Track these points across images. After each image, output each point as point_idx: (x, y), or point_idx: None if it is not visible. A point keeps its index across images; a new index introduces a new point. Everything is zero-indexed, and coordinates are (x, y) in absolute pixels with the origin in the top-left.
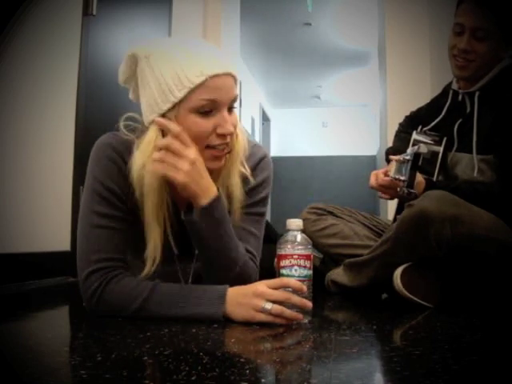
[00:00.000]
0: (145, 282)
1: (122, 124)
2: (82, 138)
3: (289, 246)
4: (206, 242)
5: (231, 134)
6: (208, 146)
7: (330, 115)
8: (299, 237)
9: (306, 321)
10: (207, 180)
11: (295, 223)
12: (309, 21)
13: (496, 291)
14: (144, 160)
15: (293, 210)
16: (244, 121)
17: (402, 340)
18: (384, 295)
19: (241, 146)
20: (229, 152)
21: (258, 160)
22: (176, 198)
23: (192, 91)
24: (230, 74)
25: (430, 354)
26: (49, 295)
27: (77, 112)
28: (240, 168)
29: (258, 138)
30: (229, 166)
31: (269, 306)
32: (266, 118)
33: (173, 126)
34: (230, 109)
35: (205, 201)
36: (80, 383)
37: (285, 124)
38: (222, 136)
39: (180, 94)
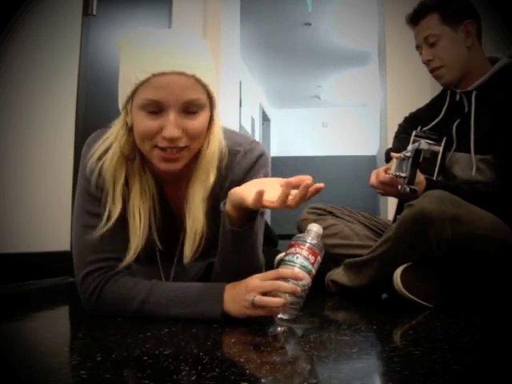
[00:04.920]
0: (142, 281)
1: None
2: (82, 137)
3: (300, 239)
4: (243, 254)
5: (177, 139)
6: (156, 147)
7: (330, 115)
8: (316, 239)
9: (286, 317)
10: None
11: (316, 227)
12: (309, 21)
13: (496, 291)
14: (105, 148)
15: (293, 210)
16: (244, 121)
17: (402, 340)
18: (384, 295)
19: (211, 153)
20: (196, 157)
21: (256, 158)
22: (165, 193)
23: (138, 88)
24: (183, 74)
25: (430, 354)
26: (49, 295)
27: (77, 112)
28: (210, 176)
29: (258, 138)
30: (199, 174)
31: (254, 298)
32: (266, 118)
33: None
34: (192, 112)
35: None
36: (80, 383)
37: (285, 124)
38: (168, 139)
39: (129, 89)
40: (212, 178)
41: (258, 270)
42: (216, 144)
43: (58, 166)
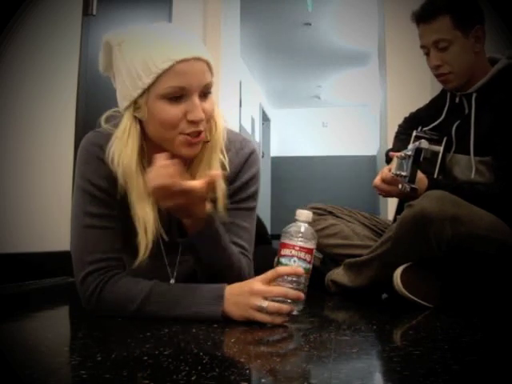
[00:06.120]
0: (143, 282)
1: (103, 119)
2: (82, 137)
3: (292, 236)
4: (204, 258)
5: (202, 121)
6: (181, 134)
7: (330, 115)
8: (304, 228)
9: (295, 312)
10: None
11: (304, 214)
12: (309, 21)
13: (496, 291)
14: (121, 147)
15: (293, 210)
16: (244, 121)
17: (402, 340)
18: (384, 295)
19: (219, 134)
20: (207, 141)
21: (248, 155)
22: None
23: (160, 77)
24: (200, 59)
25: (429, 354)
26: (49, 295)
27: (77, 112)
28: (220, 156)
29: (257, 138)
30: (208, 155)
31: (265, 304)
32: (266, 118)
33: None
34: (206, 94)
35: (200, 225)
36: (80, 383)
37: (285, 124)
38: (193, 123)
39: (148, 80)
40: (218, 157)
41: (233, 268)
42: (222, 124)
43: (57, 166)
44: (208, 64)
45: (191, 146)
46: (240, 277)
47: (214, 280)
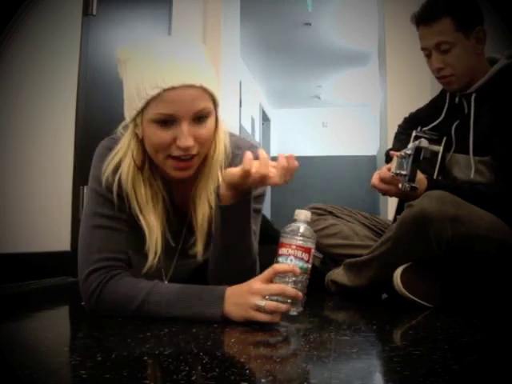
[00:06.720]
0: (144, 281)
1: (121, 127)
2: (82, 137)
3: (290, 236)
4: (232, 236)
5: (190, 148)
6: (170, 156)
7: (330, 115)
8: (303, 228)
9: (295, 313)
10: None
11: (303, 214)
12: (309, 21)
13: (496, 291)
14: (119, 161)
15: (293, 209)
16: (244, 121)
17: (402, 340)
18: (384, 295)
19: (218, 157)
20: (203, 159)
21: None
22: (173, 193)
23: (149, 103)
24: (191, 86)
25: (430, 354)
26: (49, 295)
27: (77, 112)
28: (218, 177)
29: (257, 138)
30: (206, 175)
31: (262, 303)
32: (266, 118)
33: None
34: (201, 119)
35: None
36: (80, 383)
37: (285, 124)
38: (183, 148)
39: (140, 104)
40: (220, 178)
41: (251, 263)
42: (222, 146)
43: (57, 166)
44: (203, 89)
45: (180, 170)
46: (254, 271)
47: (226, 276)
